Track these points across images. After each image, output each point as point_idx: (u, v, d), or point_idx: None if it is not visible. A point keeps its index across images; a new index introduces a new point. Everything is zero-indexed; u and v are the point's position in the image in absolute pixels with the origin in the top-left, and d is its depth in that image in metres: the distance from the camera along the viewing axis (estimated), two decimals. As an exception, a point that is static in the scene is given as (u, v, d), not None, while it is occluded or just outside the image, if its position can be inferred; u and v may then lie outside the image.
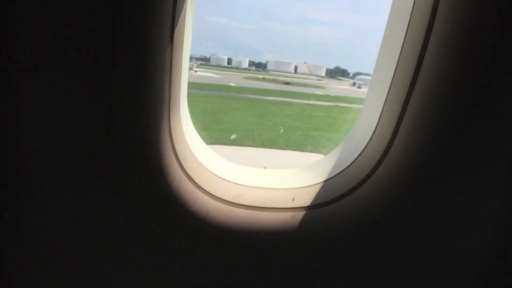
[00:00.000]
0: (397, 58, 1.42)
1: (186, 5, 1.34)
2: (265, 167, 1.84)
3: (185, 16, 1.35)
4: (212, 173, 1.64)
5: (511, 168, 1.34)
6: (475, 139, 1.29)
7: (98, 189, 1.41)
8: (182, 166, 1.50)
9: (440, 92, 1.25)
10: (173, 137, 1.45)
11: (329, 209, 1.50)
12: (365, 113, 1.66)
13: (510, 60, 1.18)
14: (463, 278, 1.53)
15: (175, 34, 1.29)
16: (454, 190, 1.37)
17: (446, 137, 1.29)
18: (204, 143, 1.78)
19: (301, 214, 1.51)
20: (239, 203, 1.54)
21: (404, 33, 1.39)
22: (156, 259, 1.52)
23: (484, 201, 1.40)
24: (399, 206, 1.40)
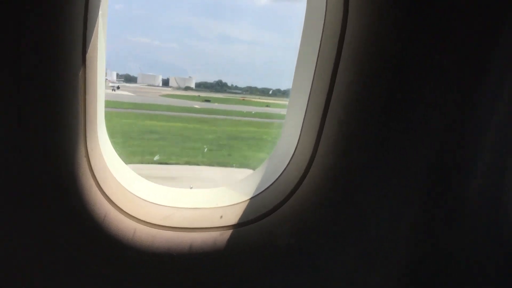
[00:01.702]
0: (313, 71, 1.49)
1: (97, 27, 1.32)
2: (191, 187, 1.81)
3: (97, 38, 1.33)
4: (136, 195, 1.57)
5: (430, 169, 1.45)
6: (393, 145, 1.38)
7: (14, 217, 1.32)
8: (102, 189, 1.42)
9: (356, 99, 1.33)
10: (90, 159, 1.38)
11: (257, 225, 1.52)
12: (287, 127, 1.72)
13: (413, 65, 1.28)
14: (389, 273, 1.64)
15: (87, 55, 1.26)
16: (376, 196, 1.46)
17: (365, 145, 1.38)
18: (125, 165, 1.70)
19: (228, 232, 1.51)
20: (166, 225, 1.49)
21: (318, 46, 1.46)
22: (81, 285, 1.44)
23: (404, 205, 1.51)
24: (324, 216, 1.47)
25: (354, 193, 1.45)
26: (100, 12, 1.33)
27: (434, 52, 1.27)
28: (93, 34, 1.28)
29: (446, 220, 1.57)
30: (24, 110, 1.18)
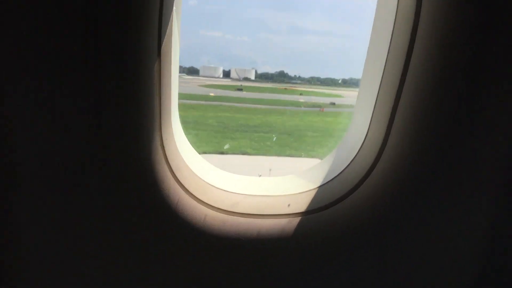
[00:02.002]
0: (384, 62, 1.46)
1: (172, 21, 1.37)
2: (260, 175, 1.86)
3: (171, 31, 1.39)
4: (207, 183, 1.65)
5: (503, 168, 1.37)
6: (466, 139, 1.31)
7: (91, 204, 1.41)
8: (176, 177, 1.50)
9: (428, 93, 1.28)
10: (165, 149, 1.46)
11: (325, 214, 1.52)
12: (356, 117, 1.70)
13: (492, 58, 1.21)
14: (459, 277, 1.57)
15: (162, 49, 1.32)
16: (447, 190, 1.40)
17: (437, 138, 1.32)
18: (197, 153, 1.78)
19: (296, 219, 1.53)
20: (235, 211, 1.55)
21: (390, 37, 1.42)
22: (153, 270, 1.52)
23: (477, 201, 1.43)
24: (394, 208, 1.43)
25: (424, 188, 1.40)
26: (174, 8, 1.40)
27: (509, 53, 1.19)
28: (167, 30, 1.34)
29: None
30: (103, 102, 1.26)
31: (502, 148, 1.34)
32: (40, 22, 1.17)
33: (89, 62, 1.21)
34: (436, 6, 1.21)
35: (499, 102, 1.26)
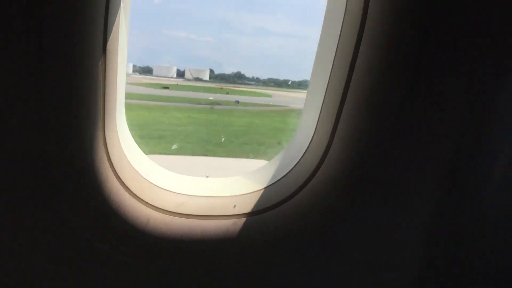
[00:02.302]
0: (331, 65, 1.48)
1: (119, 18, 1.34)
2: (207, 176, 1.84)
3: (118, 29, 1.35)
4: (152, 183, 1.61)
5: (443, 170, 1.44)
6: (407, 141, 1.36)
7: (31, 204, 1.35)
8: (119, 177, 1.46)
9: (372, 95, 1.32)
10: (109, 149, 1.42)
11: (270, 214, 1.53)
12: (304, 120, 1.72)
13: (436, 57, 1.25)
14: (399, 277, 1.63)
15: (108, 47, 1.29)
16: (389, 191, 1.44)
17: (379, 140, 1.36)
18: (143, 153, 1.73)
19: (242, 220, 1.52)
20: (180, 212, 1.53)
21: (337, 40, 1.45)
22: (96, 272, 1.49)
23: (417, 203, 1.49)
24: (337, 209, 1.46)
25: (367, 189, 1.44)
26: (122, 5, 1.36)
27: (453, 52, 1.24)
28: (114, 27, 1.31)
29: (459, 227, 1.55)
30: (43, 98, 1.21)
31: (442, 151, 1.40)
32: None
33: (31, 58, 1.16)
34: (382, 11, 1.24)
35: (439, 106, 1.31)
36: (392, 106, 1.31)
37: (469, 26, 1.21)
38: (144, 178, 1.59)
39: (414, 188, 1.46)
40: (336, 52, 1.46)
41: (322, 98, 1.53)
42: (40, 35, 1.13)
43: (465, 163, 1.44)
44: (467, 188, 1.49)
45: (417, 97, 1.29)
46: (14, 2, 1.09)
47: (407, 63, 1.25)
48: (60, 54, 1.16)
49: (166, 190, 1.61)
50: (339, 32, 1.44)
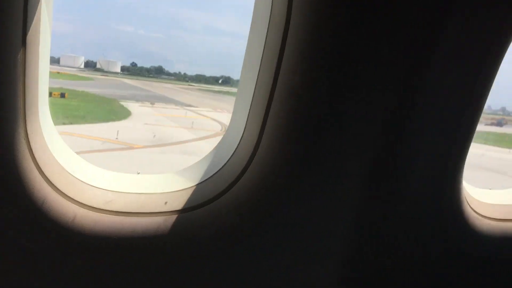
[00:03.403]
0: (259, 64, 1.55)
1: (40, 8, 1.29)
2: (138, 173, 1.82)
3: (39, 19, 1.31)
4: (78, 179, 1.55)
5: (367, 161, 1.56)
6: (331, 137, 1.46)
7: None
8: (42, 172, 1.40)
9: (298, 94, 1.40)
10: (30, 142, 1.35)
11: (201, 211, 1.58)
12: (234, 118, 1.79)
13: (358, 56, 1.35)
14: (323, 268, 1.76)
15: (28, 38, 1.24)
16: (315, 187, 1.56)
17: (305, 138, 1.46)
18: (69, 148, 1.65)
19: (173, 217, 1.55)
20: (109, 209, 1.50)
21: (264, 39, 1.51)
22: (21, 270, 1.42)
23: (341, 197, 1.62)
24: (266, 205, 1.56)
25: (294, 185, 1.54)
26: None
27: (374, 49, 1.35)
28: (34, 18, 1.27)
29: (384, 218, 1.71)
30: None
31: (366, 145, 1.53)
32: None
33: None
34: (304, 14, 1.32)
35: (363, 103, 1.43)
36: (317, 104, 1.41)
37: (393, 24, 1.32)
38: (70, 173, 1.53)
39: (338, 184, 1.59)
40: (263, 52, 1.52)
41: (251, 98, 1.60)
42: None
43: (389, 156, 1.59)
44: (388, 184, 1.65)
45: (341, 94, 1.40)
46: None
47: (330, 63, 1.35)
48: None
49: (93, 186, 1.56)
50: (265, 34, 1.51)
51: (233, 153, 1.67)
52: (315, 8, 1.30)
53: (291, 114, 1.45)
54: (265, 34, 1.51)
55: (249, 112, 1.62)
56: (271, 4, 1.46)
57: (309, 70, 1.38)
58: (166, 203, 1.59)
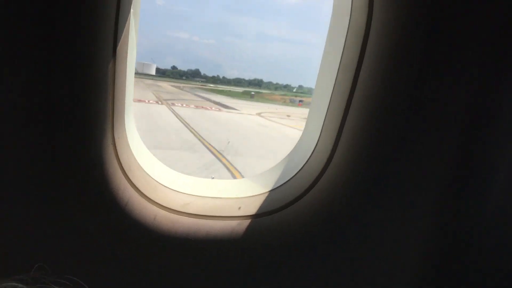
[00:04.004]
0: (336, 74, 1.53)
1: (128, 24, 1.36)
2: (212, 177, 1.85)
3: (128, 32, 1.37)
4: (158, 182, 1.60)
5: (447, 171, 1.49)
6: (411, 146, 1.41)
7: (39, 200, 1.34)
8: (127, 175, 1.46)
9: (376, 102, 1.37)
10: (117, 147, 1.42)
11: (274, 217, 1.58)
12: (309, 124, 1.78)
13: (439, 63, 1.30)
14: (403, 277, 1.70)
15: (118, 49, 1.31)
16: (392, 195, 1.50)
17: (383, 146, 1.41)
18: (150, 153, 1.71)
19: (246, 222, 1.56)
20: (186, 211, 1.54)
21: (342, 46, 1.50)
22: (101, 266, 1.48)
23: (422, 205, 1.54)
24: (341, 214, 1.52)
25: (370, 193, 1.49)
26: (132, 11, 1.38)
27: (456, 53, 1.30)
28: (124, 30, 1.33)
29: (462, 224, 1.61)
30: (54, 98, 1.22)
31: (445, 153, 1.46)
32: None
33: (43, 58, 1.16)
34: (386, 19, 1.29)
35: (442, 110, 1.37)
36: (396, 111, 1.36)
37: (470, 32, 1.27)
38: (151, 177, 1.59)
39: (417, 191, 1.52)
40: (341, 58, 1.51)
41: (328, 103, 1.58)
42: (52, 36, 1.14)
43: (468, 165, 1.51)
44: (469, 190, 1.56)
45: (421, 102, 1.35)
46: (24, 3, 1.09)
47: (411, 69, 1.30)
48: (71, 55, 1.18)
49: (172, 189, 1.61)
50: (344, 40, 1.49)
51: (308, 159, 1.66)
52: (397, 8, 1.27)
53: (369, 120, 1.41)
54: (344, 39, 1.49)
55: (325, 117, 1.60)
56: (350, 11, 1.45)
57: (389, 76, 1.34)
58: (240, 208, 1.60)
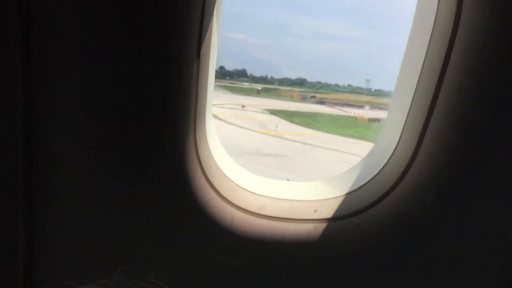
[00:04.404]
0: (419, 75, 1.47)
1: (212, 23, 1.39)
2: (288, 179, 1.85)
3: (211, 34, 1.40)
4: (236, 184, 1.63)
5: None
6: (500, 145, 1.32)
7: (129, 197, 1.41)
8: (206, 176, 1.49)
9: (461, 110, 1.30)
10: (198, 148, 1.46)
11: (351, 221, 1.55)
12: (387, 128, 1.73)
13: None
14: (497, 278, 1.59)
15: (202, 50, 1.33)
16: (479, 201, 1.42)
17: (468, 154, 1.34)
18: (228, 155, 1.74)
19: (322, 225, 1.54)
20: (262, 213, 1.55)
21: (425, 51, 1.44)
22: (180, 266, 1.53)
23: (505, 215, 1.46)
24: (419, 221, 1.46)
25: (455, 196, 1.42)
26: (214, 12, 1.41)
27: None
28: (208, 32, 1.35)
29: None
30: (142, 100, 1.26)
31: None
32: (81, 36, 1.19)
33: (130, 61, 1.22)
34: (475, 20, 1.22)
35: None
36: (486, 110, 1.28)
37: None
38: (229, 178, 1.61)
39: (503, 200, 1.42)
40: (425, 57, 1.45)
41: (409, 105, 1.52)
42: (140, 41, 1.19)
43: None
44: None
45: (510, 100, 1.26)
46: (110, 10, 1.15)
47: (503, 64, 1.22)
48: (158, 58, 1.22)
49: (249, 191, 1.63)
50: (430, 34, 1.42)
51: (385, 165, 1.61)
52: (487, 11, 1.20)
53: (452, 128, 1.34)
54: (430, 35, 1.43)
55: (404, 123, 1.55)
56: (436, 12, 1.40)
57: (477, 81, 1.26)
58: (315, 211, 1.59)
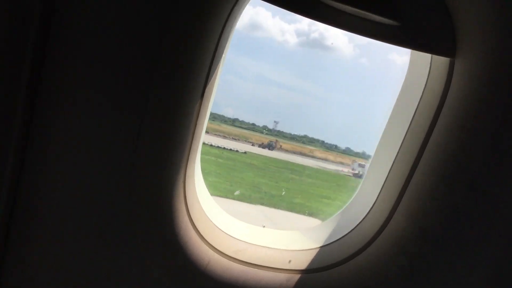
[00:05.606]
0: (402, 138, 1.56)
1: (218, 68, 1.44)
2: (264, 226, 1.84)
3: (216, 76, 1.44)
4: (215, 225, 1.60)
5: (504, 245, 1.47)
6: (477, 203, 1.39)
7: (105, 222, 1.39)
8: (189, 214, 1.49)
9: (441, 177, 1.38)
10: (186, 184, 1.46)
11: (324, 275, 1.56)
12: (365, 186, 1.80)
13: (508, 143, 1.30)
14: None
15: (206, 91, 1.37)
16: (456, 262, 1.48)
17: (441, 222, 1.42)
18: (210, 196, 1.71)
19: (296, 277, 1.54)
20: (238, 258, 1.54)
21: (412, 116, 1.53)
22: None
23: (486, 271, 1.50)
24: (393, 279, 1.50)
25: (423, 266, 1.47)
26: (223, 55, 1.46)
27: None
28: (214, 73, 1.40)
29: None
30: (143, 135, 1.28)
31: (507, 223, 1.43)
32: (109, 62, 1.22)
33: (137, 90, 1.25)
34: (463, 91, 1.31)
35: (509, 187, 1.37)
36: (459, 192, 1.37)
37: None
38: (209, 219, 1.59)
39: (482, 258, 1.48)
40: (409, 127, 1.54)
41: (388, 170, 1.60)
42: (151, 76, 1.23)
43: None
44: None
45: (491, 176, 1.35)
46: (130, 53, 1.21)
47: (486, 138, 1.30)
48: (167, 91, 1.26)
49: (226, 234, 1.61)
50: (418, 101, 1.51)
51: (360, 222, 1.66)
52: (478, 76, 1.29)
53: (429, 196, 1.41)
54: (418, 101, 1.53)
55: (383, 185, 1.61)
56: (427, 77, 1.50)
57: (459, 152, 1.35)
58: (290, 261, 1.58)
